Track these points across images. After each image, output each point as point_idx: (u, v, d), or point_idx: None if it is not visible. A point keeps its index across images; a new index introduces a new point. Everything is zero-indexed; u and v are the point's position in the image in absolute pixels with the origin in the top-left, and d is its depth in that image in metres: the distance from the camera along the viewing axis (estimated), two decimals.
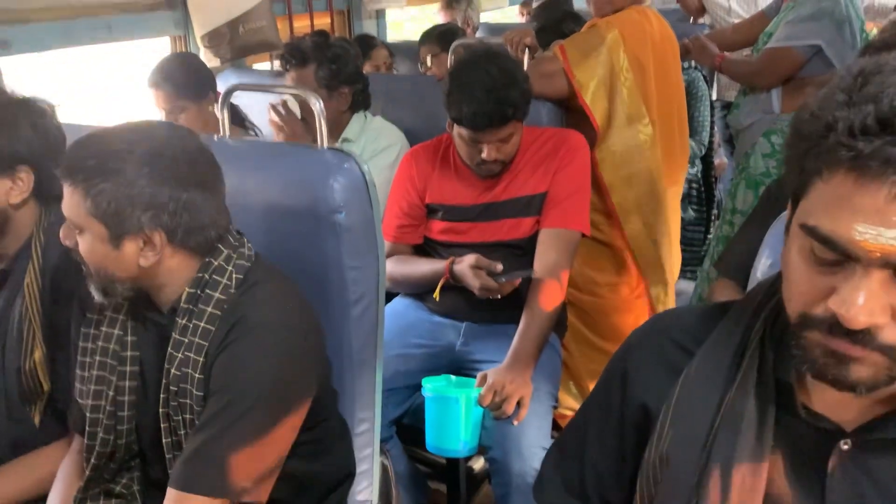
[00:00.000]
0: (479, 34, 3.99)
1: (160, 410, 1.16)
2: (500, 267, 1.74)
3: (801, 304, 0.67)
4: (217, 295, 1.14)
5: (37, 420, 1.36)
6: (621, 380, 0.87)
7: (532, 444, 1.63)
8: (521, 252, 1.89)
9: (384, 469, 1.70)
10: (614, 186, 2.16)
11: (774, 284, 0.79)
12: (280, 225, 1.39)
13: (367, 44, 3.10)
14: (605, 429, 0.88)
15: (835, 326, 0.64)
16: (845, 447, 0.73)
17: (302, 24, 3.28)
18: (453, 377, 1.78)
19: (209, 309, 1.13)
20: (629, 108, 2.13)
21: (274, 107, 2.07)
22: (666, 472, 0.77)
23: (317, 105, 1.43)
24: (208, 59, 2.60)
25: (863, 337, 0.63)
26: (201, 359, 1.12)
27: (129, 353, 1.22)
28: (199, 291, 1.14)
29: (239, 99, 2.45)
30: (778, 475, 0.75)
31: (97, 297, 1.16)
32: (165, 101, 2.21)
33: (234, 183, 1.42)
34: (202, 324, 1.13)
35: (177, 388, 1.13)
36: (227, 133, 1.55)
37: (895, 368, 0.64)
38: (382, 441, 1.81)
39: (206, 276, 1.14)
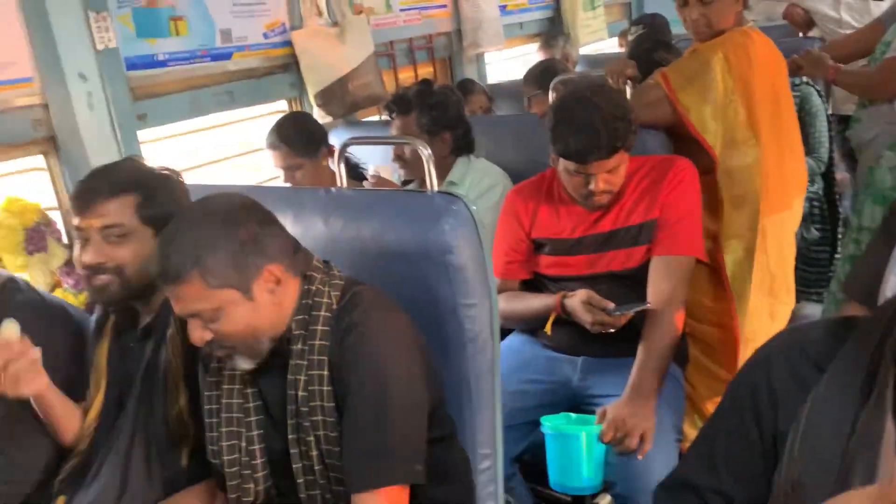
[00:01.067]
0: (578, 68, 4.01)
1: (290, 437, 1.23)
2: (611, 305, 1.73)
3: None
4: (322, 314, 1.23)
5: (184, 462, 1.46)
6: (751, 395, 0.86)
7: (658, 479, 1.58)
8: (633, 283, 1.87)
9: None
10: (721, 210, 2.10)
11: None
12: (394, 269, 1.45)
13: (466, 89, 3.18)
14: (734, 444, 0.87)
15: None
16: None
17: (406, 76, 3.41)
18: (573, 415, 1.78)
19: (319, 327, 1.23)
20: (736, 130, 2.08)
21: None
22: (798, 498, 0.75)
23: (425, 152, 1.49)
24: (321, 116, 2.75)
25: None
26: (325, 372, 1.21)
27: (250, 395, 1.30)
28: (306, 316, 1.24)
29: (351, 149, 2.58)
30: None
31: (246, 366, 1.25)
32: (283, 160, 2.35)
33: (351, 231, 1.51)
34: (317, 342, 1.22)
35: (307, 408, 1.21)
36: (345, 184, 1.63)
37: None
38: (505, 478, 1.82)
39: (310, 301, 1.25)
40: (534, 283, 2.04)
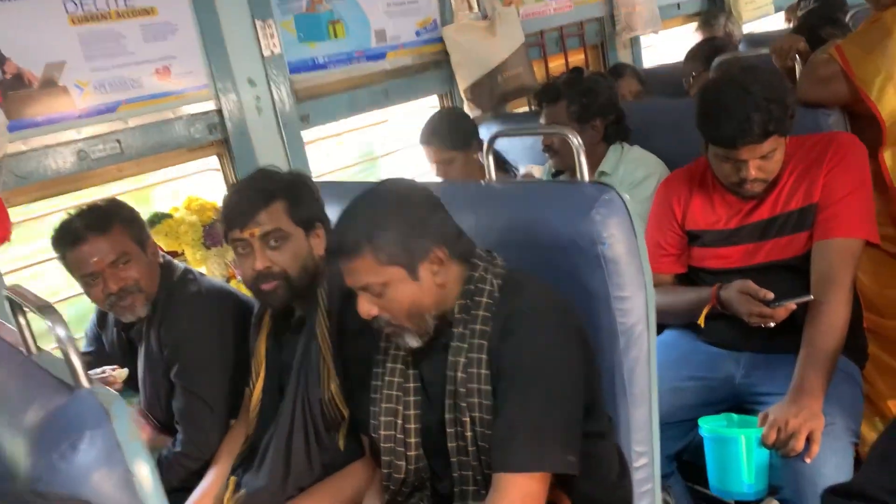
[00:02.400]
0: (741, 47, 3.79)
1: (446, 416, 1.26)
2: (770, 295, 1.62)
3: None
4: (485, 300, 1.26)
5: (341, 444, 1.54)
6: None
7: (829, 483, 1.47)
8: (797, 273, 1.74)
9: None
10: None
11: None
12: (546, 260, 1.43)
13: (617, 73, 3.09)
14: None
15: None
16: None
17: (557, 64, 3.37)
18: (735, 416, 1.68)
19: (481, 312, 1.25)
20: None
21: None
22: None
23: (574, 141, 1.46)
24: (471, 110, 2.77)
25: None
26: (484, 356, 1.23)
27: (411, 375, 1.34)
28: (468, 301, 1.26)
29: (499, 143, 2.59)
30: None
31: (414, 343, 1.29)
32: (435, 155, 2.40)
33: (502, 222, 1.51)
34: (478, 326, 1.25)
35: (465, 389, 1.23)
36: (493, 177, 1.63)
37: None
38: (663, 477, 1.76)
39: (473, 287, 1.27)
40: (689, 278, 1.95)
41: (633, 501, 1.44)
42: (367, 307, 1.26)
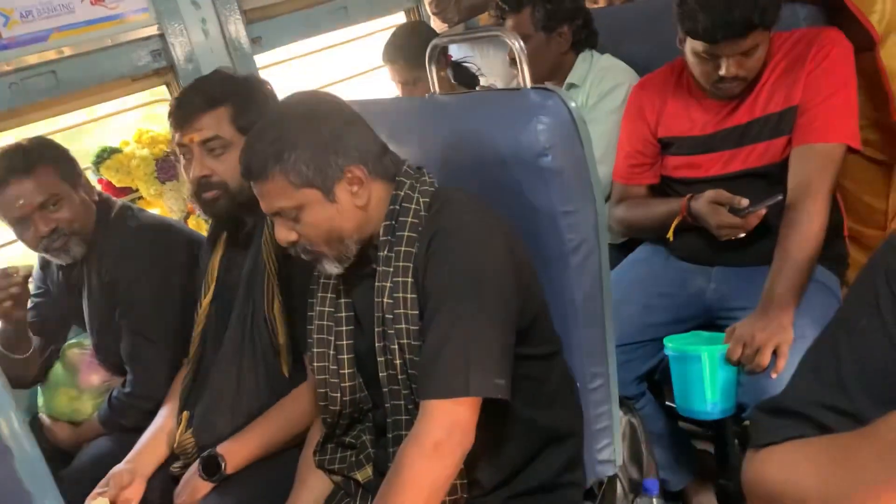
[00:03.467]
0: None
1: (376, 345, 1.19)
2: (744, 202, 1.52)
3: None
4: (410, 220, 1.18)
5: (285, 371, 1.48)
6: (885, 278, 0.69)
7: None
8: (775, 182, 1.63)
9: (632, 428, 1.60)
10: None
11: None
12: (489, 175, 1.34)
13: None
14: (869, 336, 0.71)
15: None
16: None
17: None
18: (704, 333, 1.61)
19: (406, 233, 1.17)
20: None
21: None
22: None
23: (516, 44, 1.35)
24: (437, 25, 2.62)
25: None
26: (409, 279, 1.16)
27: (342, 304, 1.27)
28: (393, 222, 1.18)
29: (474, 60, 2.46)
30: None
31: (334, 270, 1.22)
32: (400, 74, 2.28)
33: (443, 135, 1.42)
34: (402, 248, 1.17)
35: (392, 315, 1.17)
36: (437, 89, 1.53)
37: None
38: (629, 398, 1.71)
39: (397, 207, 1.19)
40: (661, 188, 1.84)
41: (589, 424, 1.38)
42: (283, 233, 1.18)
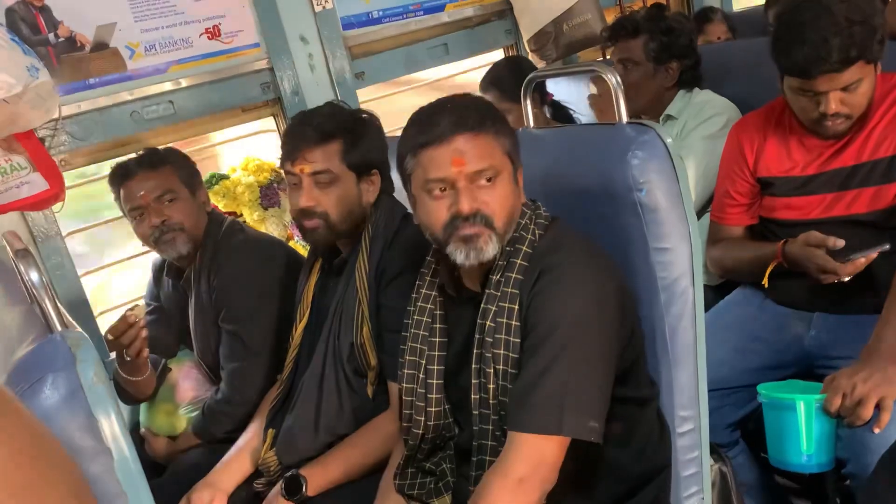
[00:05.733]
0: None
1: (472, 366, 1.20)
2: (840, 242, 1.45)
3: None
4: (525, 248, 1.19)
5: (369, 392, 1.51)
6: None
7: None
8: (880, 229, 1.55)
9: (723, 476, 1.53)
10: None
11: None
12: (583, 207, 1.33)
13: (705, 17, 2.88)
14: None
15: None
16: None
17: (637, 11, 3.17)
18: (800, 382, 1.53)
19: (518, 261, 1.18)
20: None
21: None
22: None
23: (612, 79, 1.34)
24: (536, 62, 2.65)
25: None
26: (516, 307, 1.16)
27: (437, 328, 1.29)
28: (510, 248, 1.20)
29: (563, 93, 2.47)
30: None
31: (492, 251, 1.19)
32: (493, 103, 2.30)
33: (539, 169, 1.42)
34: (514, 275, 1.18)
35: (492, 339, 1.17)
36: (531, 123, 1.54)
37: None
38: (721, 446, 1.63)
39: (516, 234, 1.21)
40: (760, 230, 1.78)
41: (678, 470, 1.33)
42: (473, 196, 1.17)
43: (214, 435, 1.77)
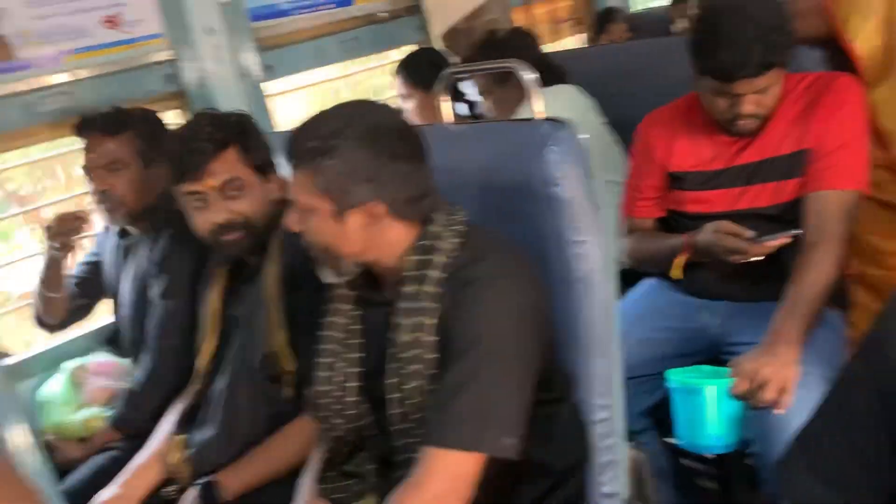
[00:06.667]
0: None
1: (387, 382, 1.18)
2: (750, 233, 1.52)
3: None
4: (441, 259, 1.15)
5: (285, 397, 1.48)
6: (878, 346, 0.68)
7: None
8: (783, 222, 1.64)
9: (638, 463, 1.58)
10: (894, 136, 1.78)
11: None
12: (499, 203, 1.34)
13: (606, 18, 2.98)
14: (863, 409, 0.69)
15: None
16: None
17: (542, 11, 3.23)
18: (708, 367, 1.60)
19: (436, 274, 1.14)
20: None
21: None
22: None
23: (526, 76, 1.36)
24: (451, 58, 2.66)
25: None
26: (434, 321, 1.13)
27: (353, 331, 1.26)
28: (420, 258, 1.16)
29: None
30: None
31: (330, 278, 1.21)
32: (399, 87, 2.41)
33: (454, 164, 1.41)
34: (430, 289, 1.14)
35: (409, 355, 1.15)
36: (443, 118, 1.54)
37: None
38: (634, 433, 1.69)
39: (428, 243, 1.16)
40: (670, 222, 1.85)
41: (594, 458, 1.36)
42: (292, 221, 1.19)
43: (136, 422, 1.71)
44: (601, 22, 2.93)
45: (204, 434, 1.48)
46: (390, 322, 1.18)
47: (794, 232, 1.55)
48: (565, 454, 1.27)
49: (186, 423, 1.56)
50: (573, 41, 3.39)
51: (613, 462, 1.40)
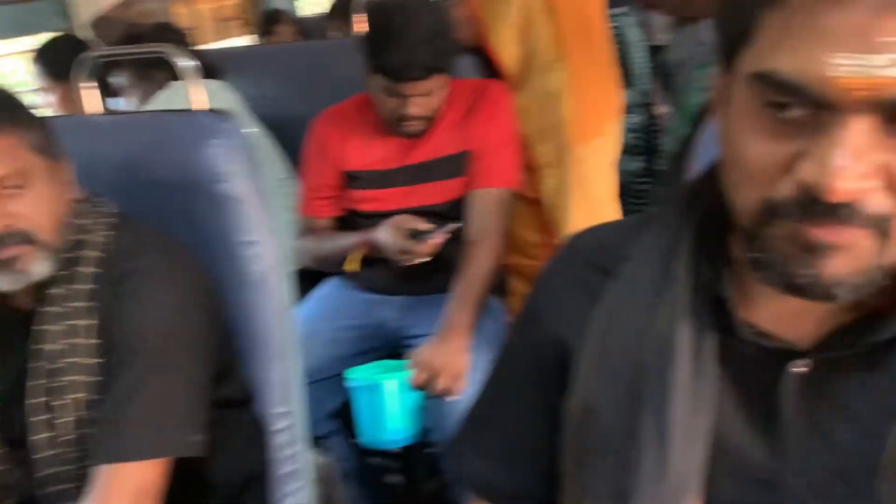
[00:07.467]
0: None
1: (30, 402, 1.00)
2: (427, 226, 1.60)
3: (761, 186, 0.50)
4: (93, 254, 1.04)
5: None
6: (531, 319, 0.71)
7: None
8: (449, 218, 1.72)
9: (326, 469, 1.55)
10: (532, 139, 1.99)
11: (704, 180, 0.63)
12: (159, 201, 1.21)
13: (272, 20, 2.93)
14: (521, 381, 0.72)
15: (810, 206, 0.47)
16: (801, 369, 0.58)
17: (210, 6, 3.08)
18: (390, 362, 1.62)
19: (90, 269, 1.03)
20: (543, 54, 1.96)
21: None
22: (591, 423, 0.61)
23: (180, 62, 1.25)
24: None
25: (846, 212, 0.47)
26: (94, 322, 1.01)
27: None
28: (71, 255, 1.03)
29: None
30: (722, 411, 0.60)
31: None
32: (39, 78, 2.14)
33: (111, 159, 1.25)
34: (85, 286, 1.02)
35: (63, 365, 1.00)
36: (84, 110, 1.36)
37: (884, 254, 0.49)
38: (321, 437, 1.65)
39: (76, 238, 1.04)
40: (347, 222, 1.85)
41: (277, 469, 1.29)
42: None
43: None
44: (268, 24, 2.88)
45: None
46: (31, 332, 1.01)
47: (452, 226, 1.65)
48: (241, 466, 1.20)
49: None
50: (243, 41, 3.29)
51: (297, 471, 1.34)
